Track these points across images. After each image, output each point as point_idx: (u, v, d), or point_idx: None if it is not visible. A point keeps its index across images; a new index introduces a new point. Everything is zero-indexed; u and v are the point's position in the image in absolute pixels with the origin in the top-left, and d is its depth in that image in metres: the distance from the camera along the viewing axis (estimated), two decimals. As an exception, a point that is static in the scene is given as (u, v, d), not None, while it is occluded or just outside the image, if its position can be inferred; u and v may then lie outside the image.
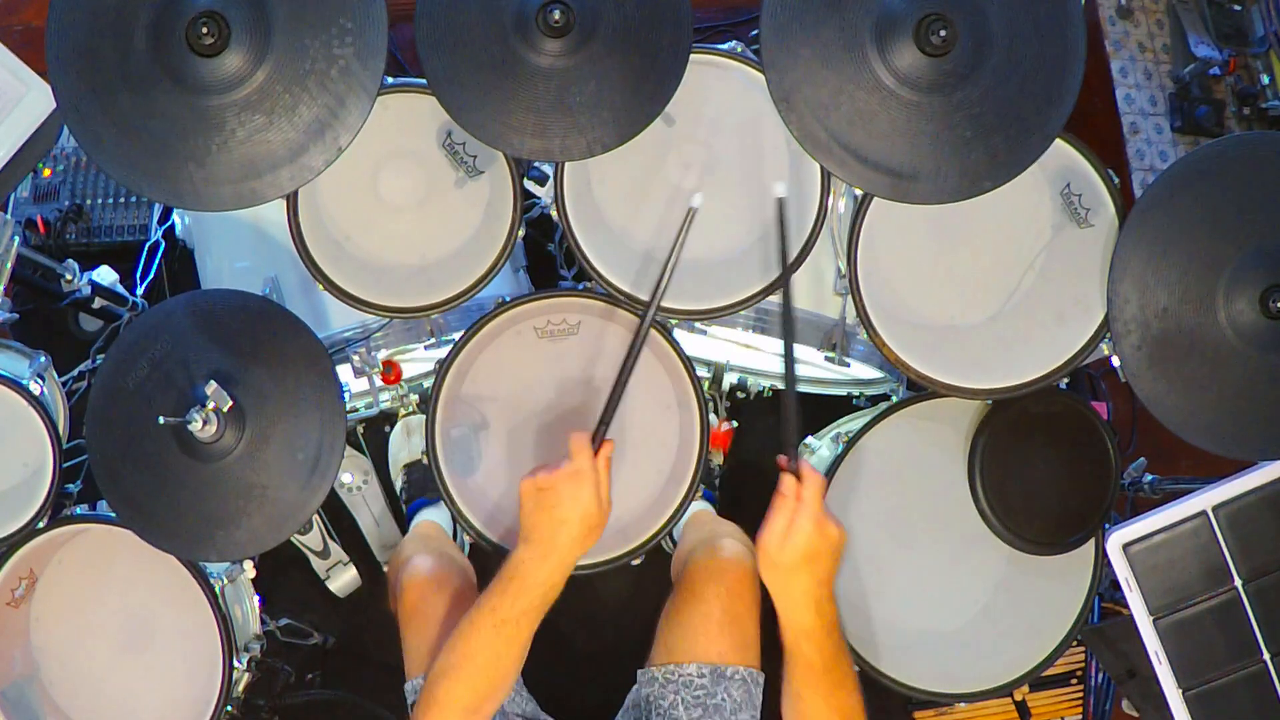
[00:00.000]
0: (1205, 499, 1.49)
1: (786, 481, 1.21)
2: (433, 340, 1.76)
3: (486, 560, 1.67)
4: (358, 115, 1.37)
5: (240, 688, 1.69)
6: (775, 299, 1.61)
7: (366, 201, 1.65)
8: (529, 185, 1.60)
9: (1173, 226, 1.44)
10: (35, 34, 2.23)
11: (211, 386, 1.38)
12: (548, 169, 1.60)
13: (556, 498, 1.25)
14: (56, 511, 1.59)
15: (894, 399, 1.72)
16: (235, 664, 1.59)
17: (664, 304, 1.60)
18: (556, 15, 1.38)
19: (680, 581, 1.64)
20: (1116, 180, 1.53)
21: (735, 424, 2.06)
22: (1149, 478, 1.93)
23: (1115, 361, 1.49)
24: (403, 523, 2.07)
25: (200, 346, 1.47)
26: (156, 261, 2.20)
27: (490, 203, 1.65)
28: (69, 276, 1.97)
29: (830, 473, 1.65)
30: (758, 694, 1.53)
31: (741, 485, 2.16)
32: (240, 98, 1.36)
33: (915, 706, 2.09)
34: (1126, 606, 1.50)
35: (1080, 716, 2.14)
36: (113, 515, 1.53)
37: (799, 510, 1.19)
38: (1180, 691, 1.48)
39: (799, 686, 1.27)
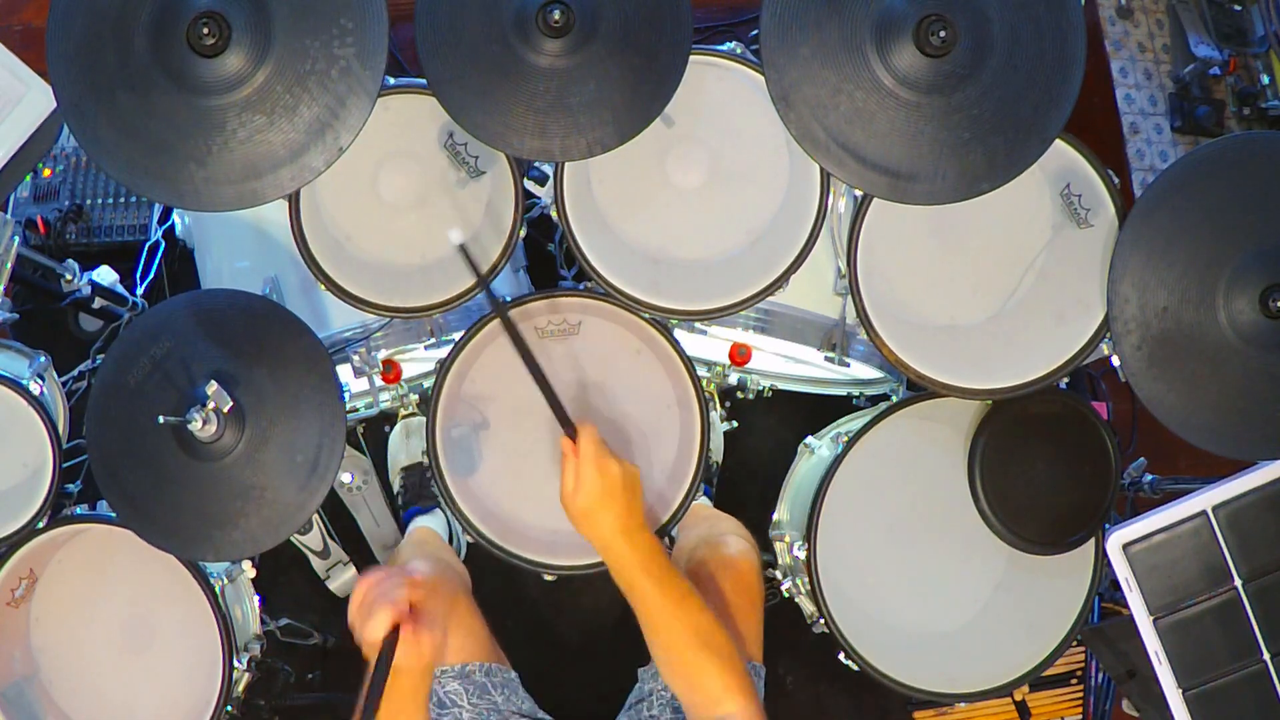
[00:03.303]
0: (1205, 499, 1.49)
1: (564, 443, 1.31)
2: (433, 340, 1.76)
3: (485, 561, 1.68)
4: (358, 115, 1.37)
5: (240, 688, 1.69)
6: (776, 299, 1.61)
7: (367, 201, 1.65)
8: (529, 185, 1.60)
9: (1173, 226, 1.44)
10: (35, 34, 2.24)
11: (212, 386, 1.38)
12: (548, 169, 1.60)
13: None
14: (56, 511, 1.59)
15: (894, 399, 1.72)
16: (235, 664, 1.58)
17: (664, 304, 1.60)
18: (556, 15, 1.38)
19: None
20: (1116, 180, 1.53)
21: (735, 424, 2.06)
22: (1149, 478, 1.93)
23: (1115, 361, 1.49)
24: (402, 525, 2.07)
25: (200, 346, 1.47)
26: (156, 261, 2.20)
27: (491, 203, 1.65)
28: (69, 276, 1.97)
29: (830, 473, 1.65)
30: (759, 686, 1.56)
31: (741, 485, 2.16)
32: (241, 98, 1.36)
33: (915, 706, 2.09)
34: (1126, 606, 1.50)
35: (1080, 716, 2.14)
36: (112, 515, 1.53)
37: (579, 462, 1.30)
38: (1180, 691, 1.48)
39: (647, 618, 1.33)
